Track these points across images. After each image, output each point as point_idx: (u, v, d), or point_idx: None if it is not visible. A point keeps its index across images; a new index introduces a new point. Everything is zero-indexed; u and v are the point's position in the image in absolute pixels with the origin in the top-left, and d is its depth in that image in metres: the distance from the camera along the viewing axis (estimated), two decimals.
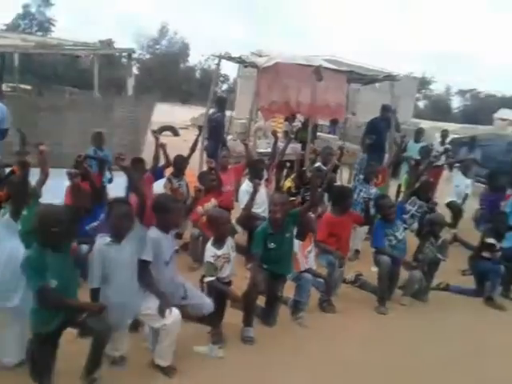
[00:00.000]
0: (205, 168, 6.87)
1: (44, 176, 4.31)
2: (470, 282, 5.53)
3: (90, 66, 11.72)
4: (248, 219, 5.00)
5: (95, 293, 3.19)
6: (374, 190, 6.63)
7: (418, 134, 9.82)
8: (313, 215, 4.69)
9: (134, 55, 16.88)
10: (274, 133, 6.89)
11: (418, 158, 8.20)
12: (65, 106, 9.07)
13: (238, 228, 5.21)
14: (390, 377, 3.60)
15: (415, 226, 6.28)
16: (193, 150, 6.50)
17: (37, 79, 24.95)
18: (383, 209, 4.97)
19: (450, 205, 7.96)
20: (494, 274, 5.11)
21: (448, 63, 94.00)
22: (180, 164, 6.14)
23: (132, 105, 9.54)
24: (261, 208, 5.60)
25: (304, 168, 6.95)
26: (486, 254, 5.32)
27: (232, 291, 3.80)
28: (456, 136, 14.92)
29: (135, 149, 9.16)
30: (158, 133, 6.24)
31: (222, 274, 3.81)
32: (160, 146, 5.80)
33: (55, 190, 4.85)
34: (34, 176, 4.25)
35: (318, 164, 6.93)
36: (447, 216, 7.26)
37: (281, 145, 7.48)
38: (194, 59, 56.27)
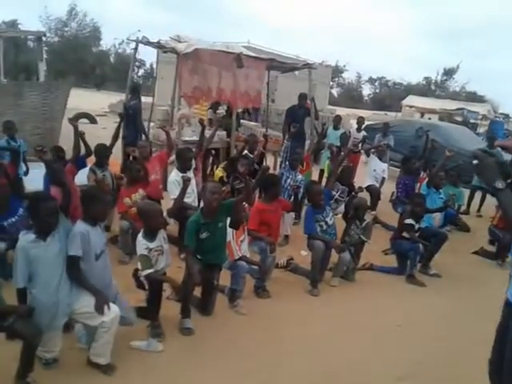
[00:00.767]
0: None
1: None
2: (392, 261, 5.89)
3: None
4: (178, 212, 4.91)
5: (21, 293, 3.00)
6: (300, 177, 6.81)
7: (336, 121, 10.20)
8: (246, 205, 4.70)
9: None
10: (201, 121, 6.79)
11: (338, 144, 8.56)
12: None
13: (170, 220, 5.10)
14: (327, 354, 3.76)
15: (341, 209, 6.56)
16: (115, 138, 6.24)
17: None
18: (313, 195, 5.10)
19: (368, 188, 8.38)
20: (414, 253, 5.46)
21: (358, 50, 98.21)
22: (102, 153, 5.86)
23: (44, 91, 8.89)
24: (190, 198, 5.52)
25: (232, 156, 6.95)
26: (405, 235, 5.67)
27: (173, 280, 3.73)
28: (369, 122, 15.68)
29: (51, 137, 8.62)
30: (74, 120, 5.90)
31: (158, 267, 3.73)
32: (79, 135, 5.49)
33: None
34: None
35: (245, 152, 6.97)
36: (366, 199, 7.66)
37: (207, 132, 7.43)
38: (107, 43, 53.82)
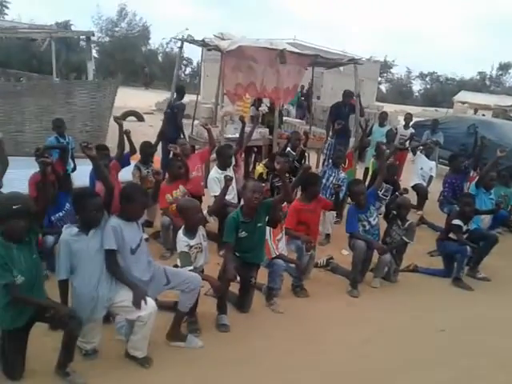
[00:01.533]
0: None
1: (3, 165, 4.14)
2: (438, 263, 5.67)
3: (47, 49, 11.22)
4: (220, 210, 4.92)
5: (63, 285, 3.11)
6: (342, 175, 6.68)
7: (382, 117, 9.92)
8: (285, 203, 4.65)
9: (93, 38, 16.30)
10: (242, 118, 6.80)
11: (384, 141, 8.33)
12: (24, 92, 8.66)
13: (210, 218, 5.14)
14: (365, 357, 3.65)
15: (382, 209, 6.38)
16: (160, 136, 6.35)
17: None
18: (355, 194, 4.99)
19: (415, 187, 8.13)
20: (461, 255, 5.22)
21: (407, 44, 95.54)
22: (147, 151, 6.01)
23: (93, 89, 9.20)
24: (230, 195, 5.53)
25: (273, 153, 6.92)
26: (452, 236, 5.44)
27: (212, 278, 3.75)
28: (418, 119, 15.20)
29: (98, 135, 8.91)
30: (121, 118, 6.04)
31: (196, 264, 3.77)
32: (124, 133, 5.61)
33: (19, 180, 4.66)
34: None
35: (288, 149, 6.93)
36: (413, 199, 7.42)
37: (247, 129, 7.44)
38: (156, 42, 54.99)
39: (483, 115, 22.20)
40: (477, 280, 5.47)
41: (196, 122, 9.57)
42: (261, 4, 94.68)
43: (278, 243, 4.38)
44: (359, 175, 8.42)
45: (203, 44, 8.38)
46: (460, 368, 3.61)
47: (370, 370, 3.51)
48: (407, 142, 9.35)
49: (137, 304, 3.08)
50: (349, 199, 5.67)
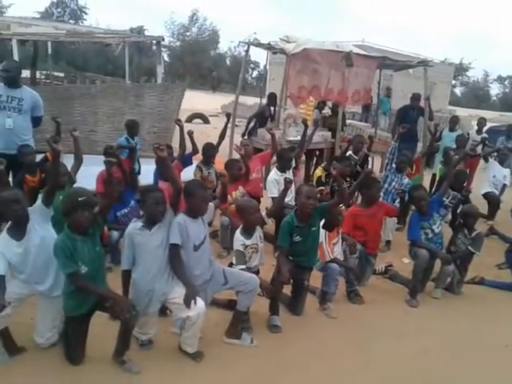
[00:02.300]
0: (234, 156, 6.86)
1: (78, 162, 4.43)
2: (506, 277, 5.35)
3: (121, 53, 11.82)
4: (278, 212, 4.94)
5: (125, 275, 3.30)
6: (406, 180, 6.47)
7: (453, 122, 9.48)
8: (343, 207, 4.57)
9: (165, 42, 16.93)
10: (304, 121, 6.78)
11: (454, 147, 7.96)
12: (97, 94, 9.18)
13: (268, 220, 5.17)
14: (417, 370, 3.51)
15: (449, 216, 6.11)
16: (222, 137, 6.47)
17: (69, 67, 25.45)
18: (416, 200, 4.81)
19: (486, 196, 7.71)
20: None
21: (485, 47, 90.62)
22: (209, 152, 6.14)
23: (161, 92, 9.57)
24: (289, 197, 5.52)
25: (333, 156, 6.83)
26: None
27: (263, 280, 3.77)
28: (494, 124, 14.39)
29: (165, 136, 9.23)
30: (183, 121, 6.23)
31: (251, 264, 3.82)
32: (188, 134, 5.79)
33: (90, 177, 4.95)
34: (69, 162, 4.37)
35: (349, 153, 6.81)
36: (483, 207, 7.04)
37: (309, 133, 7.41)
38: (224, 46, 56.20)
39: None
40: None
41: None
42: (329, 7, 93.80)
43: (333, 247, 4.32)
44: (426, 181, 8.12)
45: (269, 47, 8.45)
46: None
47: (421, 382, 3.38)
48: (479, 148, 8.87)
49: (187, 303, 3.15)
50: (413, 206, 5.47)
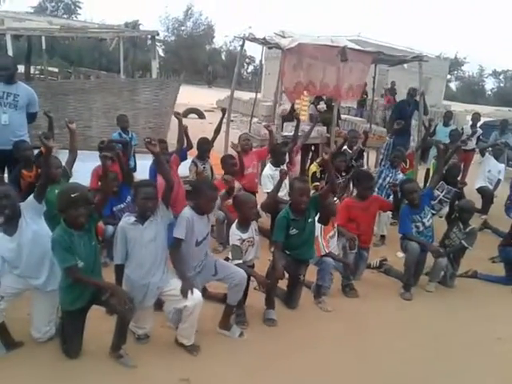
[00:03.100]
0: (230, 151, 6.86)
1: (73, 155, 4.42)
2: (499, 270, 5.39)
3: (116, 48, 11.77)
4: (271, 205, 4.96)
5: (119, 269, 3.31)
6: (400, 176, 6.51)
7: (447, 117, 9.53)
8: (337, 200, 4.61)
9: (160, 37, 16.83)
10: (297, 115, 6.80)
11: (448, 141, 7.99)
12: (92, 89, 9.16)
13: (263, 213, 5.19)
14: (410, 362, 3.56)
15: (445, 210, 6.15)
16: (217, 132, 6.47)
17: (64, 62, 25.33)
18: (406, 193, 4.84)
19: (480, 190, 7.76)
20: None
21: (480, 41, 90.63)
22: (204, 147, 6.13)
23: (156, 87, 9.55)
24: (283, 191, 5.55)
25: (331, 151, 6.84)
26: None
27: (258, 274, 3.82)
28: (488, 119, 14.43)
29: (160, 132, 9.21)
30: (181, 115, 6.22)
31: (247, 258, 3.85)
32: (182, 129, 5.78)
33: (85, 172, 4.95)
34: (65, 158, 4.37)
35: (344, 148, 6.84)
36: (477, 202, 7.09)
37: (306, 128, 7.42)
38: (220, 41, 55.99)
39: None
40: None
41: (255, 119, 9.68)
42: (326, 2, 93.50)
43: (329, 241, 4.35)
44: (420, 176, 8.16)
45: (264, 42, 8.44)
46: None
47: (413, 374, 3.43)
48: (472, 141, 8.91)
49: (184, 293, 3.19)
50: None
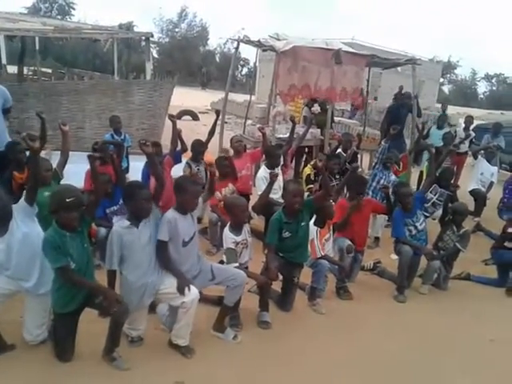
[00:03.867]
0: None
1: (64, 157, 4.40)
2: (492, 272, 5.42)
3: (110, 50, 11.74)
4: (264, 207, 4.96)
5: (112, 275, 3.25)
6: (393, 178, 6.53)
7: (441, 120, 9.58)
8: (332, 202, 4.61)
9: (154, 39, 16.78)
10: (292, 118, 6.81)
11: (441, 144, 8.03)
12: (85, 90, 9.11)
13: (254, 215, 5.18)
14: (404, 365, 3.56)
15: (438, 213, 6.18)
16: (211, 134, 6.47)
17: (57, 63, 25.21)
18: (400, 197, 4.85)
19: (473, 193, 7.80)
20: None
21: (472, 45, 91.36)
22: (198, 149, 6.13)
23: (150, 89, 9.53)
24: (277, 194, 5.55)
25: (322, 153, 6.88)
26: (508, 245, 5.18)
27: (257, 275, 3.82)
28: (481, 122, 14.51)
29: (154, 133, 9.19)
30: (176, 117, 6.21)
31: (242, 260, 3.85)
32: (176, 131, 5.77)
33: (77, 174, 4.91)
34: (57, 158, 4.34)
35: (338, 150, 6.86)
36: (470, 204, 7.12)
37: (300, 130, 7.43)
38: (214, 43, 56.01)
39: None
40: None
41: (249, 121, 9.68)
42: (320, 5, 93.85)
43: (324, 243, 4.35)
44: (414, 179, 8.20)
45: (258, 44, 8.44)
46: (508, 380, 3.45)
47: (407, 376, 3.43)
48: (464, 144, 8.96)
49: (181, 290, 3.18)
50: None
